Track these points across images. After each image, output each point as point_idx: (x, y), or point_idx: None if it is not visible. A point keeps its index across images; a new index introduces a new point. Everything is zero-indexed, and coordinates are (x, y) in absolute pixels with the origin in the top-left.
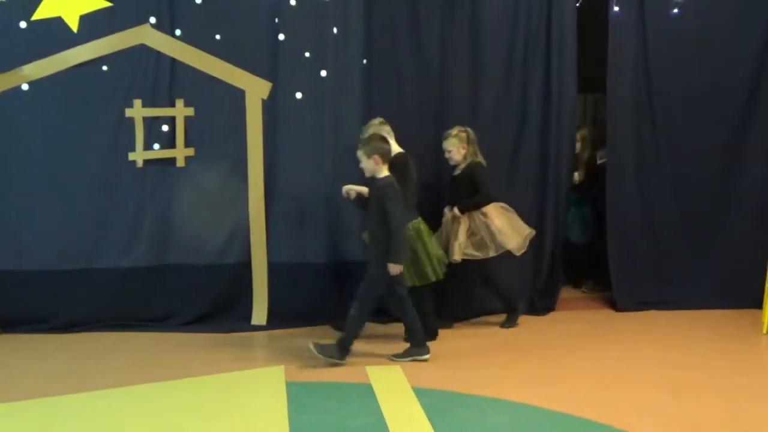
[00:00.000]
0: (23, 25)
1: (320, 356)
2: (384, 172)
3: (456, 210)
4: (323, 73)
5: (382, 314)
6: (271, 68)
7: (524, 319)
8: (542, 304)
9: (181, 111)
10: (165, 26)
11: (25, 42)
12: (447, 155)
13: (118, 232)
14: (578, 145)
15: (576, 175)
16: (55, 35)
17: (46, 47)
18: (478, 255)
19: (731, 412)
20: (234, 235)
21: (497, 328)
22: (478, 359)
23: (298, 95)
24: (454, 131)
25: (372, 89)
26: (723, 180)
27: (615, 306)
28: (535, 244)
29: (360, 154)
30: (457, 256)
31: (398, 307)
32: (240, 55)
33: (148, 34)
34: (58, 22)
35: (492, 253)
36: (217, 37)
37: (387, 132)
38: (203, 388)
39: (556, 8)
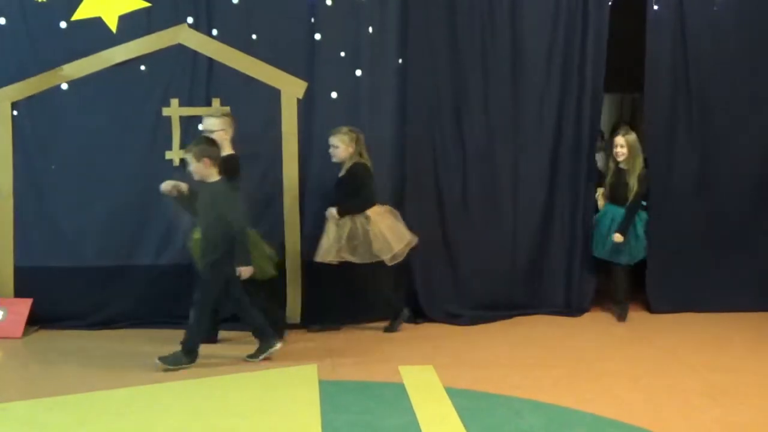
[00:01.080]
0: (63, 25)
1: (169, 367)
2: (215, 176)
3: (333, 211)
4: (358, 72)
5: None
6: (307, 68)
7: (558, 320)
8: (576, 305)
9: (217, 110)
10: (202, 26)
11: (65, 42)
12: (332, 151)
13: (155, 230)
14: (623, 151)
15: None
16: (94, 35)
17: (85, 47)
18: (353, 259)
19: None
20: (268, 234)
21: (528, 329)
22: (511, 360)
23: (334, 95)
24: (345, 129)
25: (407, 89)
26: (761, 183)
27: (649, 308)
28: (567, 244)
29: (189, 157)
30: (319, 258)
31: (237, 308)
32: (276, 54)
33: (185, 34)
34: (97, 22)
35: (366, 260)
36: (254, 36)
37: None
38: (237, 386)
39: (594, 11)
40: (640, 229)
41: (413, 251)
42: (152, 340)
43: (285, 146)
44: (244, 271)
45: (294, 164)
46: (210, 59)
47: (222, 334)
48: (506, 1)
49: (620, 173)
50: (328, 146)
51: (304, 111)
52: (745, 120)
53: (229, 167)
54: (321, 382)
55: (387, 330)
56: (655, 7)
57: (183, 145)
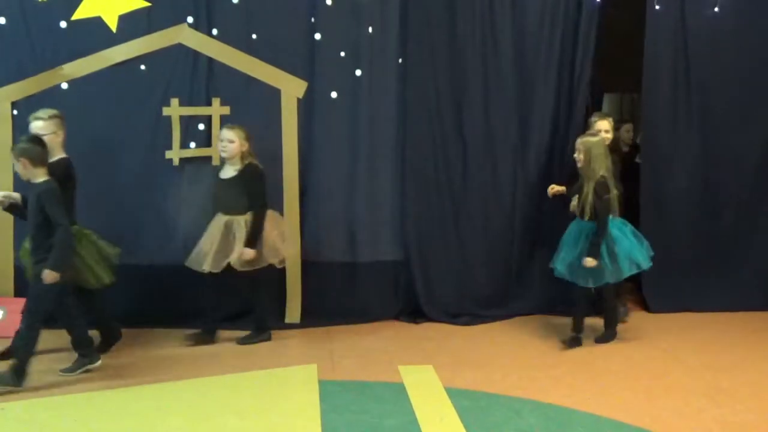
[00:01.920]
0: (63, 24)
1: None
2: (40, 176)
3: (243, 219)
4: (358, 72)
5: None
6: (307, 67)
7: (556, 320)
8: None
9: (217, 110)
10: (202, 26)
11: (65, 41)
12: (225, 145)
13: (154, 229)
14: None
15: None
16: (94, 35)
17: (85, 46)
18: (247, 267)
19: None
20: None
21: (527, 329)
22: (511, 360)
23: (334, 94)
24: (238, 125)
25: (406, 89)
26: (760, 183)
27: (647, 308)
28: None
29: (12, 157)
30: (194, 266)
31: (63, 318)
32: (276, 54)
33: (185, 34)
34: (97, 22)
35: (260, 265)
36: (254, 36)
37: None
38: (237, 385)
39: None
40: (605, 252)
41: (413, 248)
42: (150, 340)
43: (285, 146)
44: (48, 276)
45: (294, 164)
46: (210, 59)
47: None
48: (506, 0)
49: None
50: (328, 146)
51: (304, 111)
52: (745, 121)
53: (58, 171)
54: (321, 382)
55: (243, 341)
56: (657, 7)
57: (183, 145)
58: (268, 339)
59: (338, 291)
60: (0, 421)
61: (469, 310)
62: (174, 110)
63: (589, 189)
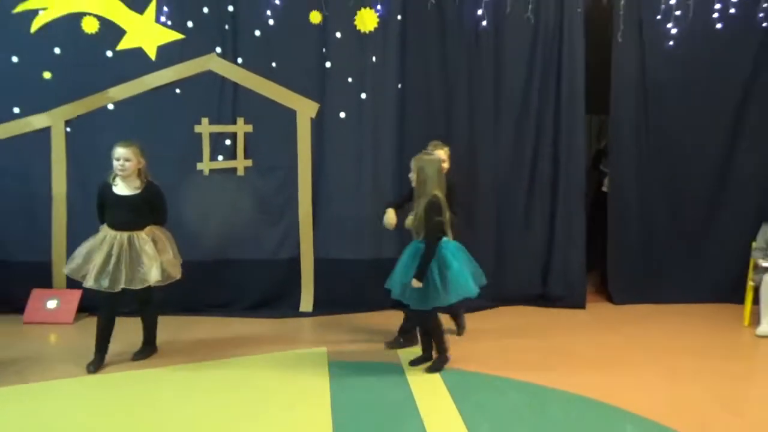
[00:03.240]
0: (110, 54)
1: None
2: None
3: (144, 233)
4: (363, 95)
5: None
6: (319, 91)
7: (535, 310)
8: (551, 297)
9: (241, 128)
10: (229, 55)
11: (111, 68)
12: (122, 164)
13: (187, 230)
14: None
15: None
16: (136, 63)
17: (128, 73)
18: (119, 287)
19: (717, 393)
20: (286, 235)
21: (509, 318)
22: (494, 344)
23: (342, 115)
24: (134, 142)
25: (405, 110)
26: (712, 191)
27: (611, 300)
28: (544, 245)
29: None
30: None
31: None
32: (292, 80)
33: (214, 62)
34: (138, 52)
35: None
36: (273, 64)
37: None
38: (256, 366)
39: (567, 42)
40: (437, 275)
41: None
42: (183, 325)
43: (300, 159)
44: None
45: (308, 174)
46: (235, 84)
47: (245, 320)
48: (490, 33)
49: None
50: (337, 158)
51: (316, 128)
52: (697, 137)
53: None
54: (330, 363)
55: (134, 357)
56: (620, 40)
57: (212, 158)
58: (155, 352)
59: (345, 284)
60: (52, 397)
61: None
62: (204, 128)
63: (419, 208)
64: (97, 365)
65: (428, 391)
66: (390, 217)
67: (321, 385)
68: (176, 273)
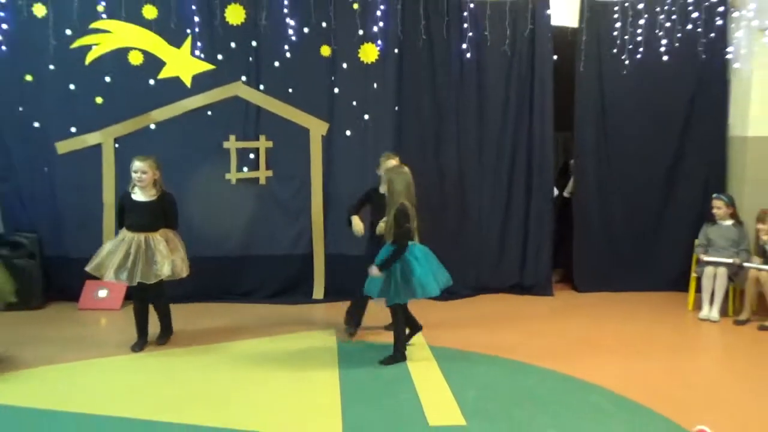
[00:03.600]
0: (152, 82)
1: None
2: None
3: (159, 234)
4: (366, 116)
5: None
6: (329, 113)
7: (511, 297)
8: (525, 286)
9: (263, 143)
10: (252, 82)
11: (154, 94)
12: (140, 176)
13: (216, 230)
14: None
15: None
16: (174, 89)
17: (167, 98)
18: (134, 281)
19: (667, 367)
20: (301, 234)
21: (489, 304)
22: (476, 326)
23: (348, 132)
24: (151, 156)
25: (401, 128)
26: (662, 196)
27: (576, 288)
28: (520, 244)
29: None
30: (99, 272)
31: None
32: (306, 103)
33: (240, 88)
34: (176, 80)
35: (151, 280)
36: (290, 90)
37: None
38: (275, 345)
39: (538, 71)
40: (399, 275)
41: None
42: (211, 310)
43: (313, 169)
44: None
45: (319, 183)
46: (258, 106)
47: (265, 306)
48: (473, 64)
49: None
50: (344, 169)
51: (326, 144)
52: (649, 150)
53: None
54: (338, 343)
55: (159, 342)
56: (582, 69)
57: (238, 169)
58: (172, 334)
59: (352, 276)
60: (104, 371)
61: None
62: (231, 144)
63: (389, 216)
64: (140, 346)
65: (421, 364)
66: (357, 224)
67: (330, 361)
68: (185, 270)
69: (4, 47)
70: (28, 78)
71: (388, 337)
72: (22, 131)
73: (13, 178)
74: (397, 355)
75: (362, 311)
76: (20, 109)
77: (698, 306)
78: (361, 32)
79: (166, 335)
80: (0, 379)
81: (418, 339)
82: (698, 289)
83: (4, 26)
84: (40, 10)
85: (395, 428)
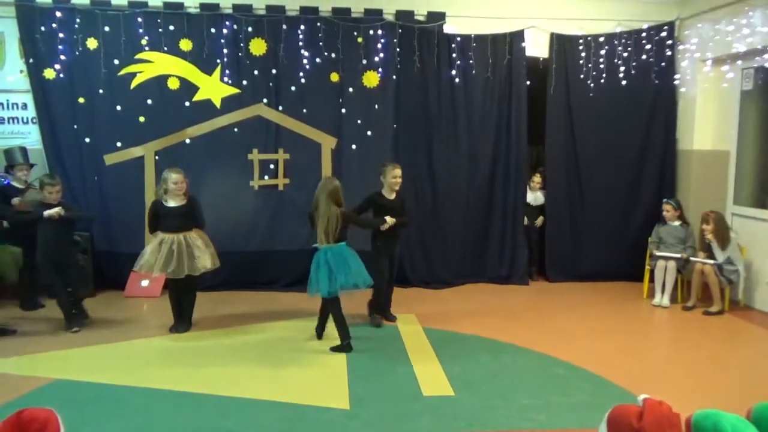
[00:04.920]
0: (187, 104)
1: None
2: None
3: (194, 233)
4: (369, 133)
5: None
6: (337, 130)
7: (494, 287)
8: (507, 277)
9: (282, 156)
10: (273, 104)
11: (189, 114)
12: (177, 186)
13: (243, 229)
14: None
15: None
16: (206, 110)
17: (200, 117)
18: (177, 274)
19: (623, 345)
20: (314, 232)
21: (475, 292)
22: (464, 311)
23: (353, 146)
24: (179, 169)
25: (398, 143)
26: (621, 200)
27: (548, 279)
28: (500, 239)
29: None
30: (145, 270)
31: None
32: (318, 121)
33: (262, 109)
34: (208, 102)
35: (193, 272)
36: (304, 110)
37: None
38: (292, 327)
39: (515, 93)
40: (324, 268)
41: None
42: (236, 298)
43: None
44: None
45: None
46: (277, 124)
47: (284, 294)
48: (461, 88)
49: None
50: (350, 178)
51: (335, 156)
52: (610, 158)
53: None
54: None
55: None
56: (551, 92)
57: (260, 177)
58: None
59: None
60: (145, 351)
61: (438, 279)
62: (255, 156)
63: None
64: (177, 328)
65: (416, 343)
66: (390, 219)
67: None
68: (217, 263)
69: (62, 75)
70: (81, 100)
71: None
72: (76, 146)
73: (69, 185)
74: (343, 346)
75: (382, 300)
76: (74, 126)
77: (651, 294)
78: (364, 62)
79: (185, 325)
80: (58, 357)
81: (413, 322)
82: (651, 280)
83: (63, 57)
84: (92, 44)
85: (395, 398)
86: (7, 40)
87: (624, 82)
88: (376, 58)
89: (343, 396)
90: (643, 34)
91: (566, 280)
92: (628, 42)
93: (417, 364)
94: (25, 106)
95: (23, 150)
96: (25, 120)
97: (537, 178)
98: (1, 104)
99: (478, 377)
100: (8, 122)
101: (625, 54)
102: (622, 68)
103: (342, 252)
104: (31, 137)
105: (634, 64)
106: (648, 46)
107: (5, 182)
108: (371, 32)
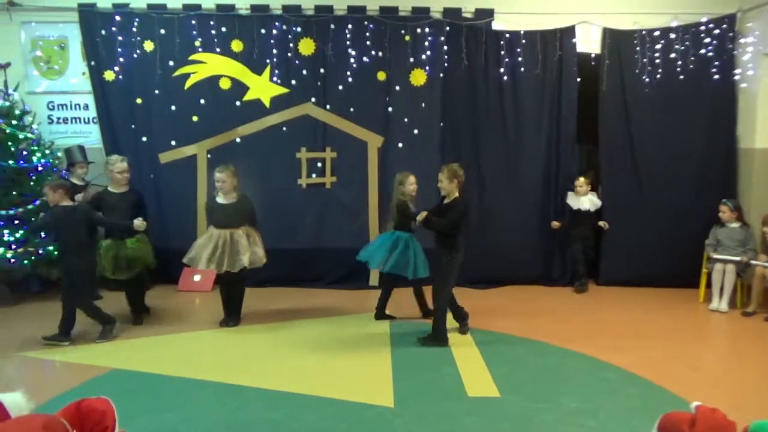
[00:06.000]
0: (238, 103)
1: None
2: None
3: (241, 230)
4: (415, 131)
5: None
6: (383, 128)
7: (538, 288)
8: (550, 279)
9: (329, 154)
10: (320, 103)
11: (239, 113)
12: (219, 184)
13: (291, 226)
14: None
15: None
16: (256, 109)
17: (250, 116)
18: (222, 269)
19: (677, 352)
20: (360, 230)
21: (519, 293)
22: (508, 312)
23: (400, 145)
24: (227, 167)
25: (445, 141)
26: (678, 202)
27: (598, 283)
28: (544, 239)
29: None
30: (195, 264)
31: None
32: (365, 120)
33: (310, 108)
34: (258, 102)
35: (234, 268)
36: (351, 109)
37: None
38: (338, 323)
39: (565, 91)
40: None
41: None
42: (283, 295)
43: (370, 176)
44: None
45: (375, 187)
46: (325, 123)
47: (330, 291)
48: (509, 86)
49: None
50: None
51: (382, 155)
52: (668, 157)
53: None
54: (390, 324)
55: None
56: (604, 88)
57: (308, 175)
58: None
59: None
60: (195, 342)
61: (485, 279)
62: (303, 154)
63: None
64: (226, 322)
65: (461, 344)
66: None
67: (384, 339)
68: (261, 260)
69: (121, 76)
70: (139, 101)
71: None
72: (133, 144)
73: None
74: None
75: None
76: (132, 126)
77: (708, 299)
78: (411, 60)
79: (235, 319)
80: (116, 348)
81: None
82: (708, 284)
83: (122, 59)
84: (149, 46)
85: (439, 397)
86: (71, 44)
87: (681, 78)
88: (423, 57)
89: (387, 394)
90: (702, 28)
91: (618, 284)
92: (686, 36)
93: (462, 364)
94: (86, 107)
95: (81, 148)
96: (86, 120)
97: (582, 181)
98: (65, 105)
99: (524, 379)
100: (71, 122)
101: (683, 48)
102: (679, 63)
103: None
104: (92, 136)
105: (692, 58)
106: (707, 40)
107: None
108: (418, 30)
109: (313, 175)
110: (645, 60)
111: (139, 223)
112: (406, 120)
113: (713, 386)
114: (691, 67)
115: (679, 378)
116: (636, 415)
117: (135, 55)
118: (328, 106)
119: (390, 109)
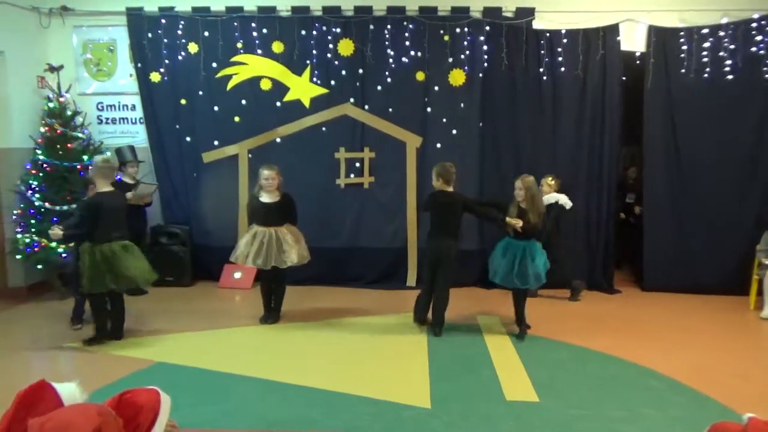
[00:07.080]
0: (278, 104)
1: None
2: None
3: (284, 228)
4: (454, 131)
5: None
6: (422, 129)
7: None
8: (594, 285)
9: (367, 154)
10: (359, 103)
11: (279, 113)
12: (269, 182)
13: (329, 226)
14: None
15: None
16: (296, 109)
17: (290, 117)
18: (266, 265)
19: (725, 360)
20: (397, 230)
21: (556, 299)
22: (545, 315)
23: (438, 145)
24: (273, 165)
25: (485, 142)
26: (725, 206)
27: (642, 288)
28: (592, 244)
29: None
30: (240, 261)
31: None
32: (403, 120)
33: (349, 108)
34: (298, 102)
35: (280, 264)
36: (390, 110)
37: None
38: (375, 324)
39: (608, 91)
40: (529, 259)
41: (487, 243)
42: (318, 294)
43: (408, 176)
44: None
45: (413, 188)
46: (363, 123)
47: (368, 291)
48: (549, 86)
49: (521, 212)
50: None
51: (420, 155)
52: (715, 158)
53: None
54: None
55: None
56: (649, 88)
57: (346, 175)
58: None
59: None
60: (240, 336)
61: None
62: (341, 154)
63: (534, 216)
64: (266, 319)
65: (499, 347)
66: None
67: (421, 340)
68: (306, 257)
69: (166, 78)
70: (183, 102)
71: (467, 320)
72: (178, 144)
73: (171, 181)
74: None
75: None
76: (177, 126)
77: (759, 307)
78: (450, 60)
79: (274, 317)
80: (159, 342)
81: (497, 326)
82: (759, 291)
83: (167, 61)
84: (193, 48)
85: (477, 400)
86: (119, 46)
87: (730, 77)
88: (462, 56)
89: (424, 395)
90: (753, 24)
91: (663, 289)
92: (736, 33)
93: (500, 368)
94: (133, 108)
95: (131, 148)
96: (133, 120)
97: (548, 180)
98: (113, 106)
99: (564, 384)
100: (120, 122)
101: (732, 46)
102: (728, 62)
103: None
104: (139, 136)
105: (742, 57)
106: (758, 38)
107: (117, 178)
108: (458, 30)
109: (352, 175)
110: (692, 58)
111: (53, 232)
112: (444, 120)
113: (765, 397)
114: (740, 65)
115: (728, 388)
116: (681, 425)
117: (180, 57)
118: (366, 107)
119: (429, 109)
